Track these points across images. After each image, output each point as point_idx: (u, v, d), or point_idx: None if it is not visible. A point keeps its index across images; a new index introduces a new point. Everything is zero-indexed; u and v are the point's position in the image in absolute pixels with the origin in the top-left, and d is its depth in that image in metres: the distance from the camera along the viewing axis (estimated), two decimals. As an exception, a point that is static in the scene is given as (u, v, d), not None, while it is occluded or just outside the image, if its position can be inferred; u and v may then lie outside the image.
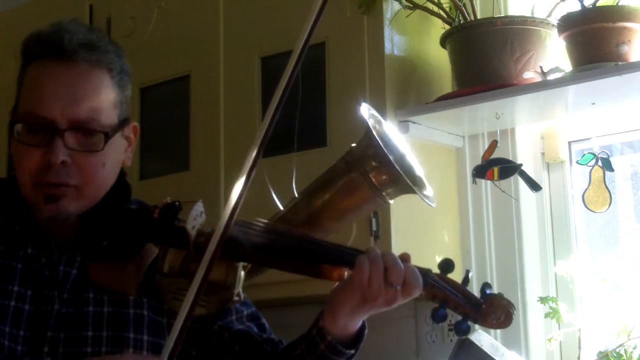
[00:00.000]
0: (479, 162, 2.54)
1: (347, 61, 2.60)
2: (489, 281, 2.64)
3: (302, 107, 2.62)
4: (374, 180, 1.50)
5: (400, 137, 1.62)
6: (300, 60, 1.41)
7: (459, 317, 1.44)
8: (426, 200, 1.55)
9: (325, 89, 2.62)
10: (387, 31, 2.57)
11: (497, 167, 2.50)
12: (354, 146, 1.55)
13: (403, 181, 1.49)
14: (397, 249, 2.45)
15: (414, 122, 2.57)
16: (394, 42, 2.60)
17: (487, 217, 2.67)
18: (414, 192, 1.51)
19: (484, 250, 2.67)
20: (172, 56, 3.00)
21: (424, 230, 2.59)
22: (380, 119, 1.59)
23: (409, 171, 1.55)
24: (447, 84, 2.71)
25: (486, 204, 2.67)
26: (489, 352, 2.40)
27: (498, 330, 2.61)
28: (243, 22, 2.83)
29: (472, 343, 2.42)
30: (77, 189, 1.53)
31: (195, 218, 1.46)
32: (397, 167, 1.47)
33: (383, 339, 2.80)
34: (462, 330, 1.44)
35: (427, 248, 2.56)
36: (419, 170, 1.59)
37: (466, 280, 1.46)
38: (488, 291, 1.45)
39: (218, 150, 2.79)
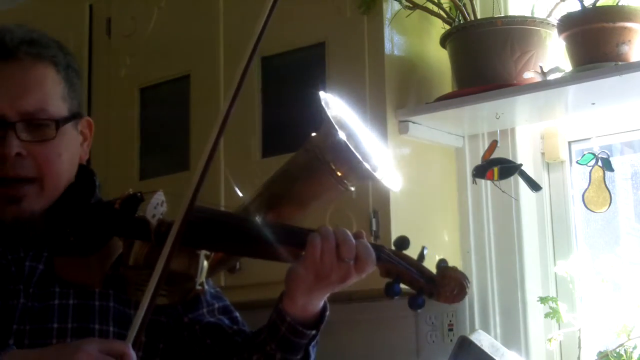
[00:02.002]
0: (479, 162, 2.54)
1: (347, 61, 2.60)
2: (489, 281, 2.64)
3: (302, 107, 2.63)
4: (334, 168, 1.50)
5: (360, 123, 1.61)
6: (250, 65, 1.41)
7: (414, 292, 1.44)
8: (388, 186, 1.55)
9: (325, 89, 2.62)
10: (387, 31, 2.57)
11: (497, 167, 2.50)
12: (313, 135, 1.55)
13: (363, 168, 1.49)
14: (397, 249, 2.46)
15: (414, 122, 2.57)
16: (394, 42, 2.60)
17: (487, 217, 2.67)
18: (375, 178, 1.51)
19: (484, 250, 2.67)
20: (172, 56, 3.00)
21: (424, 230, 2.59)
22: (343, 106, 1.59)
23: (369, 157, 1.54)
24: (447, 84, 2.71)
25: (486, 204, 2.67)
26: (489, 352, 2.40)
27: (498, 330, 2.61)
28: (243, 22, 2.83)
29: (472, 343, 2.42)
30: (38, 183, 1.55)
31: (155, 207, 1.46)
32: (356, 154, 1.47)
33: (383, 339, 2.81)
34: (417, 304, 1.43)
35: (427, 248, 2.55)
36: (382, 155, 1.59)
37: (421, 256, 1.46)
38: (443, 265, 1.45)
39: (218, 150, 2.78)
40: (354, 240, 1.44)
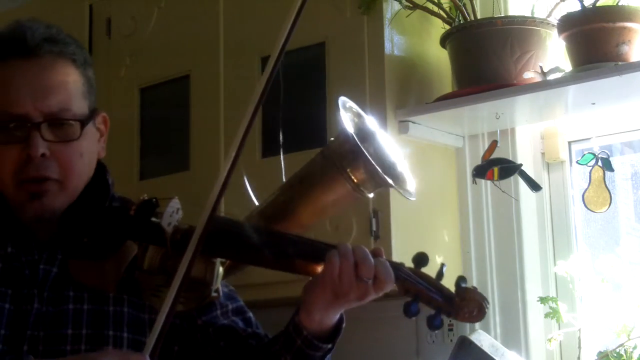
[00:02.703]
0: (479, 162, 2.54)
1: (347, 61, 2.60)
2: (489, 281, 2.64)
3: (302, 107, 2.64)
4: (351, 175, 1.49)
5: (380, 129, 1.61)
6: (278, 63, 1.41)
7: (432, 312, 1.43)
8: (405, 195, 1.54)
9: (325, 89, 2.62)
10: (387, 31, 2.57)
11: (497, 167, 2.50)
12: (331, 140, 1.54)
13: (380, 176, 1.48)
14: (397, 249, 2.46)
15: (414, 122, 2.56)
16: (394, 42, 2.60)
17: (487, 217, 2.67)
18: (392, 186, 1.50)
19: (484, 250, 2.67)
20: (172, 56, 3.00)
21: (424, 230, 2.59)
22: (360, 111, 1.58)
23: (387, 165, 1.54)
24: (447, 84, 2.71)
25: (486, 204, 2.67)
26: (489, 352, 2.40)
27: (498, 330, 2.61)
28: (243, 22, 2.83)
29: (472, 343, 2.42)
30: (59, 183, 1.55)
31: (171, 214, 1.46)
32: (373, 162, 1.47)
33: (383, 339, 2.80)
34: (434, 325, 1.42)
35: (427, 248, 2.53)
36: (400, 163, 1.58)
37: (440, 274, 1.45)
38: (462, 285, 1.43)
39: (218, 150, 2.79)
40: (372, 260, 1.43)
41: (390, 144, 1.60)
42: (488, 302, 1.43)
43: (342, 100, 1.54)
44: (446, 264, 1.48)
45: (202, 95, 2.90)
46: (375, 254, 1.45)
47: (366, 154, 1.46)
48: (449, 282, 1.46)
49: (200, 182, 2.80)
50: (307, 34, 2.66)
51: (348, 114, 1.52)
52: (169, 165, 2.98)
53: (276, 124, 2.75)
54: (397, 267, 1.45)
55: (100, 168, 1.66)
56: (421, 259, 1.45)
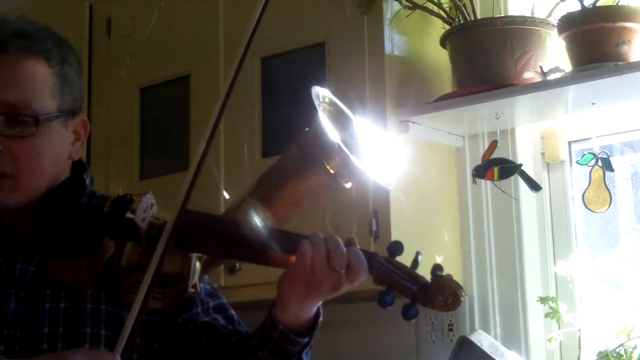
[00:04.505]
0: (479, 162, 2.54)
1: (347, 61, 2.60)
2: (489, 281, 2.64)
3: (302, 107, 2.64)
4: (325, 165, 1.46)
5: (357, 118, 1.57)
6: (241, 66, 1.40)
7: (407, 301, 1.40)
8: (383, 184, 1.51)
9: (325, 89, 2.62)
10: (387, 31, 2.57)
11: (497, 167, 2.50)
12: (306, 131, 1.51)
13: (354, 166, 1.45)
14: (397, 249, 2.46)
15: (414, 122, 2.56)
16: (394, 42, 2.60)
17: (487, 217, 2.67)
18: (367, 176, 1.47)
19: (484, 250, 2.67)
20: (172, 56, 3.00)
21: (424, 230, 2.59)
22: (336, 100, 1.56)
23: (363, 155, 1.51)
24: (447, 84, 2.71)
25: (486, 204, 2.67)
26: (489, 352, 2.40)
27: (498, 330, 2.61)
28: (243, 22, 2.83)
29: (472, 343, 2.42)
30: (13, 179, 1.53)
31: (145, 210, 1.43)
32: (347, 152, 1.44)
33: (383, 339, 2.81)
34: (410, 315, 1.39)
35: (427, 248, 2.56)
36: (378, 152, 1.55)
37: (415, 262, 1.42)
38: (438, 273, 1.41)
39: (218, 150, 2.79)
40: (344, 249, 1.41)
41: (370, 131, 1.58)
42: (464, 290, 1.40)
43: (316, 89, 1.52)
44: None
45: (202, 95, 2.90)
46: (349, 243, 1.43)
47: (339, 142, 1.44)
48: (425, 271, 1.44)
49: (200, 182, 2.80)
50: (307, 34, 2.66)
51: (322, 105, 1.51)
52: (169, 165, 2.98)
53: (276, 124, 2.76)
54: (371, 256, 1.42)
55: (79, 166, 1.64)
56: (396, 247, 1.43)
